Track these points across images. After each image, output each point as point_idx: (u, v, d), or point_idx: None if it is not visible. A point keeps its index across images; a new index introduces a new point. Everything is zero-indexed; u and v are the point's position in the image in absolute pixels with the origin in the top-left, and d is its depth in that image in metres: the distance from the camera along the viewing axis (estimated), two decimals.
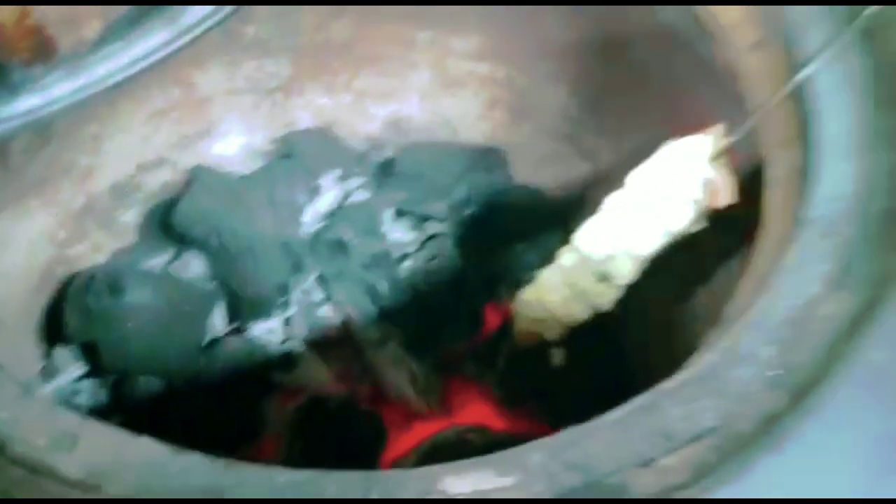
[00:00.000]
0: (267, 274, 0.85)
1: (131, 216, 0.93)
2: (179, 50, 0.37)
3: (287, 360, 0.85)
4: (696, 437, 0.33)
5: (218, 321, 0.85)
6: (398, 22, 0.92)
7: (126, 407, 0.80)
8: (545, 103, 0.94)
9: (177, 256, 0.91)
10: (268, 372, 0.84)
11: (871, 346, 0.35)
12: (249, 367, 0.83)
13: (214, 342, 0.84)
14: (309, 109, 1.00)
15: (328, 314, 0.88)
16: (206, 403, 0.81)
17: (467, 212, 0.96)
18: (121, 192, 0.91)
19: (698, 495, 0.31)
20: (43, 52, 0.33)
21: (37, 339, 0.82)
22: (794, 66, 0.45)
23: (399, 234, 0.94)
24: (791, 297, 0.37)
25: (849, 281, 0.37)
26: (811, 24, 0.46)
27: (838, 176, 0.41)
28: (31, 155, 0.77)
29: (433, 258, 0.92)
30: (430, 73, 0.97)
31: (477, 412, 0.87)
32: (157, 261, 0.90)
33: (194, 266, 0.89)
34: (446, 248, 0.93)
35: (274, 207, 0.88)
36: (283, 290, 0.86)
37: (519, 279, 0.94)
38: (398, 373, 0.84)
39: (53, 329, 0.82)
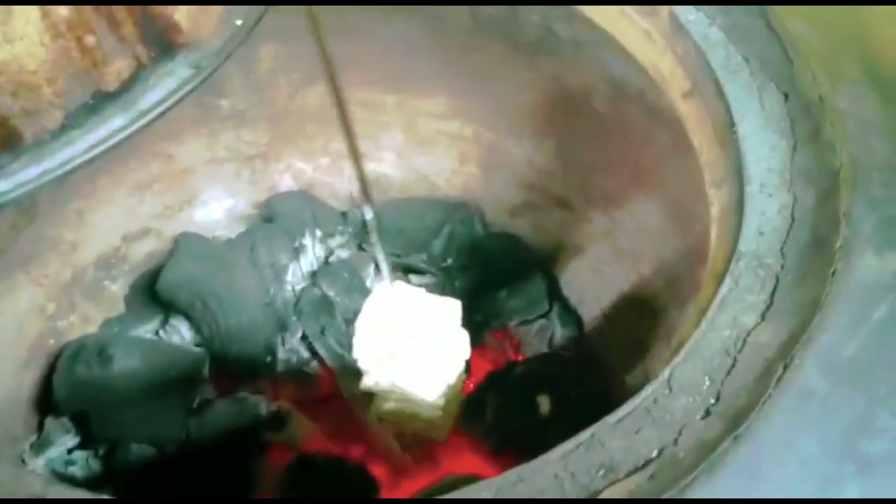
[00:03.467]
0: (252, 335, 0.87)
1: (119, 286, 0.95)
2: (135, 133, 0.40)
3: (276, 420, 0.86)
4: (637, 468, 0.34)
5: (206, 384, 0.86)
6: (367, 87, 0.96)
7: (120, 475, 0.81)
8: (513, 156, 0.97)
9: (164, 323, 0.93)
10: (258, 432, 0.85)
11: (801, 372, 0.37)
12: (239, 428, 0.84)
13: (204, 405, 0.85)
14: (289, 173, 1.04)
15: (315, 371, 0.90)
16: (197, 466, 0.82)
17: (448, 262, 0.99)
18: (107, 263, 0.94)
19: None
20: (8, 141, 0.36)
21: (29, 412, 0.83)
22: (721, 114, 0.48)
23: None
24: (725, 327, 0.39)
25: (778, 310, 0.39)
26: (735, 73, 0.49)
27: (765, 212, 0.43)
28: (18, 232, 0.81)
29: None
30: (402, 134, 1.00)
31: (468, 462, 0.88)
32: (146, 328, 0.92)
33: (182, 331, 0.91)
34: None
35: (257, 269, 0.91)
36: (270, 349, 0.88)
37: (505, 325, 0.97)
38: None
39: (44, 401, 0.83)
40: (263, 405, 0.86)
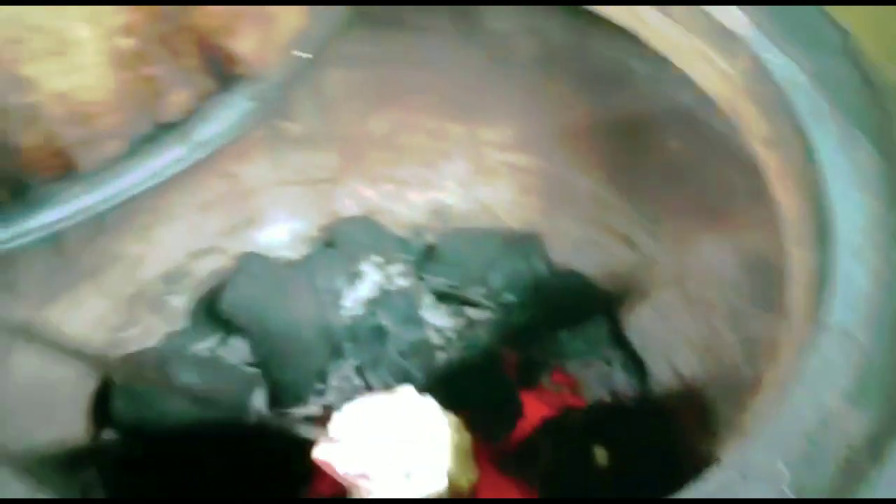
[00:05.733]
0: (306, 360, 0.86)
1: (181, 301, 0.97)
2: (193, 164, 0.40)
3: None
4: None
5: (259, 405, 0.86)
6: (431, 114, 0.95)
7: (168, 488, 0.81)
8: (579, 190, 0.95)
9: (223, 341, 0.93)
10: (305, 458, 0.84)
11: (892, 467, 0.33)
12: (288, 453, 0.83)
13: (255, 426, 0.85)
14: (353, 198, 1.04)
15: None
16: (241, 488, 0.82)
17: (507, 298, 0.96)
18: (171, 278, 0.95)
19: None
20: (65, 170, 0.36)
21: (86, 421, 0.85)
22: (806, 166, 0.45)
23: (438, 320, 0.95)
24: (807, 409, 0.35)
25: (867, 394, 0.35)
26: (822, 122, 0.45)
27: (854, 277, 0.39)
28: (85, 245, 0.82)
29: (471, 345, 0.92)
30: (465, 163, 0.99)
31: None
32: (205, 345, 0.93)
33: (239, 351, 0.92)
34: (485, 335, 0.93)
35: (315, 294, 0.91)
36: (322, 376, 0.87)
37: (563, 366, 0.94)
38: None
39: (102, 411, 0.85)
40: (314, 432, 0.85)
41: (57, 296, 0.80)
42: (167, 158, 0.39)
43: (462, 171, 1.01)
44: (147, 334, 0.93)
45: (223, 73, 0.41)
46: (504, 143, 0.97)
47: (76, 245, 0.81)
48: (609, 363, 0.92)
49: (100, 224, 0.83)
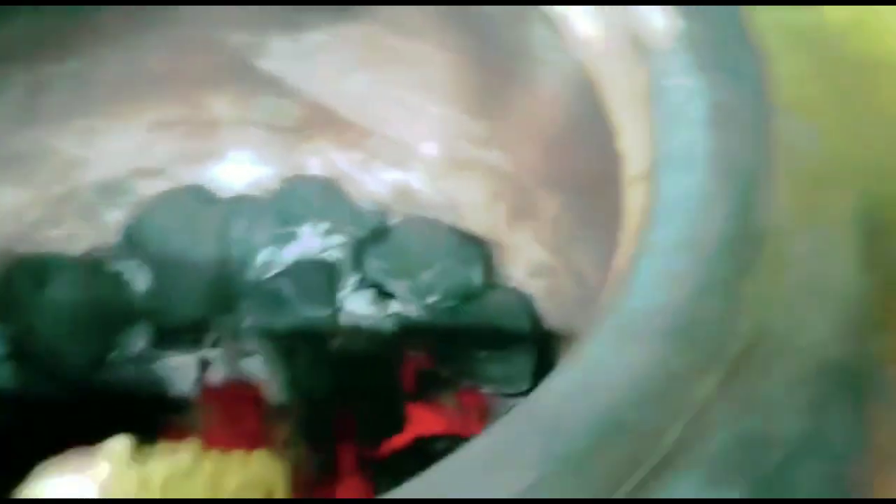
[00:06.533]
0: (191, 306, 0.81)
1: (117, 216, 0.93)
2: None
3: (184, 401, 0.79)
4: None
5: (132, 340, 0.82)
6: (411, 90, 0.87)
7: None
8: (545, 211, 0.85)
9: (138, 267, 0.89)
10: (161, 405, 0.79)
11: None
12: (145, 395, 0.79)
13: (120, 361, 0.80)
14: (319, 157, 0.97)
15: (250, 369, 0.83)
16: (94, 422, 0.78)
17: (436, 300, 0.87)
18: (109, 190, 0.92)
19: None
20: None
21: None
22: None
23: (356, 305, 0.88)
24: None
25: None
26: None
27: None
28: (10, 130, 0.80)
29: (376, 340, 0.84)
30: (438, 149, 0.91)
31: None
32: (121, 265, 0.89)
33: (143, 279, 0.87)
34: (397, 333, 0.85)
35: (230, 243, 0.85)
36: (205, 329, 0.81)
37: (477, 389, 0.85)
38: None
39: None
40: (179, 382, 0.80)
41: None
42: None
43: (434, 157, 0.93)
44: (70, 240, 0.90)
45: None
46: (482, 138, 0.88)
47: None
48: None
49: (32, 112, 0.81)
